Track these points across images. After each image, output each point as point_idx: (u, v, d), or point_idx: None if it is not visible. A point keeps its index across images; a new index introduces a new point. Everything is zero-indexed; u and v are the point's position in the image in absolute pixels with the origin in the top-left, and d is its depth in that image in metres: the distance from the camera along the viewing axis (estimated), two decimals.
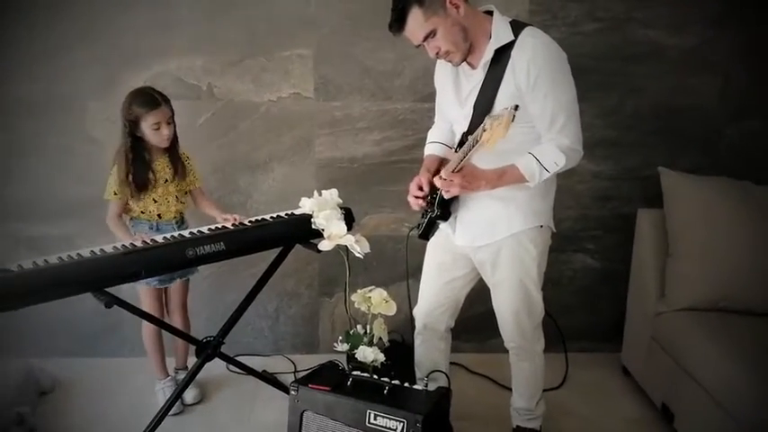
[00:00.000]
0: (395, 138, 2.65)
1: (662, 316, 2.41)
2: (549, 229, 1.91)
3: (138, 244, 1.97)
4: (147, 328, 2.43)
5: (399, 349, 2.49)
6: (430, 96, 2.40)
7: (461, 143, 1.86)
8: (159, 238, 2.06)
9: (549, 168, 1.73)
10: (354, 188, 2.66)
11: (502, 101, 1.74)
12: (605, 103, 2.67)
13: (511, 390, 2.17)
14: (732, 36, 2.62)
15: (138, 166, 2.20)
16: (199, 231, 2.13)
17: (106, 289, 1.81)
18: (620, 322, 2.74)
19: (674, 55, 2.66)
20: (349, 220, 2.24)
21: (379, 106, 2.61)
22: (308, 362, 2.77)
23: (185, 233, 2.11)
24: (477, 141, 1.59)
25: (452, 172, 1.75)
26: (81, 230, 2.65)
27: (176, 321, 2.47)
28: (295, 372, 2.75)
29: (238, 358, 2.51)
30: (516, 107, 1.48)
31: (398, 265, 2.76)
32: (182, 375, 2.50)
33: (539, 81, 1.68)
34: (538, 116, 1.73)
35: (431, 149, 2.09)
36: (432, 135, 2.13)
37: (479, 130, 1.59)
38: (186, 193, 2.37)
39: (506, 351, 2.09)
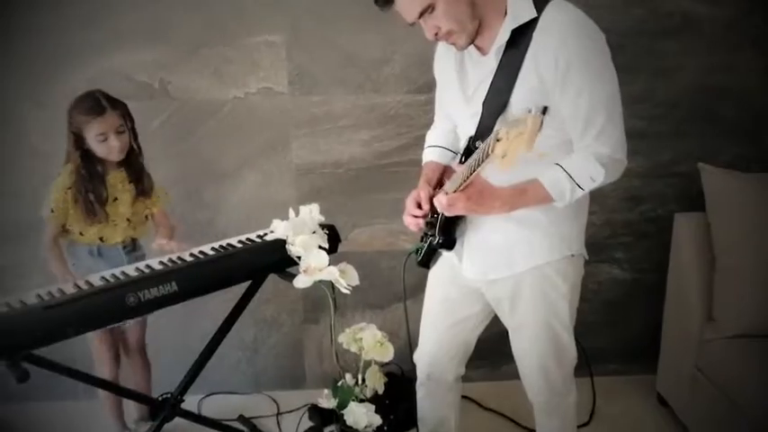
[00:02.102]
0: (386, 137, 2.36)
1: (710, 343, 2.08)
2: (581, 257, 1.53)
3: (69, 289, 1.59)
4: (100, 368, 2.07)
5: (398, 385, 2.14)
6: (426, 86, 2.19)
7: (468, 152, 1.50)
8: (96, 279, 1.68)
9: (583, 186, 1.37)
10: (340, 197, 2.39)
11: (520, 97, 1.39)
12: (631, 88, 2.31)
13: (532, 430, 1.84)
14: None
15: (93, 184, 1.89)
16: (147, 267, 1.75)
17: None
18: (653, 340, 2.42)
19: (709, 28, 2.31)
20: (333, 240, 1.90)
21: (366, 100, 2.32)
22: (294, 400, 2.47)
23: (129, 269, 1.73)
24: (488, 154, 1.20)
25: (457, 190, 1.39)
26: (16, 261, 2.32)
27: (135, 364, 2.16)
28: (278, 414, 2.42)
29: (212, 398, 2.22)
30: (545, 110, 1.09)
31: (394, 285, 2.46)
32: (143, 429, 2.13)
33: (570, 72, 1.32)
34: (569, 117, 1.37)
35: (431, 155, 1.74)
36: (431, 138, 1.78)
37: (490, 139, 1.22)
38: (146, 217, 2.05)
39: None
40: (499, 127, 1.39)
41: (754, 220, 2.03)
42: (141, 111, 2.17)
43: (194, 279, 1.71)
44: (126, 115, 1.91)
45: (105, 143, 1.86)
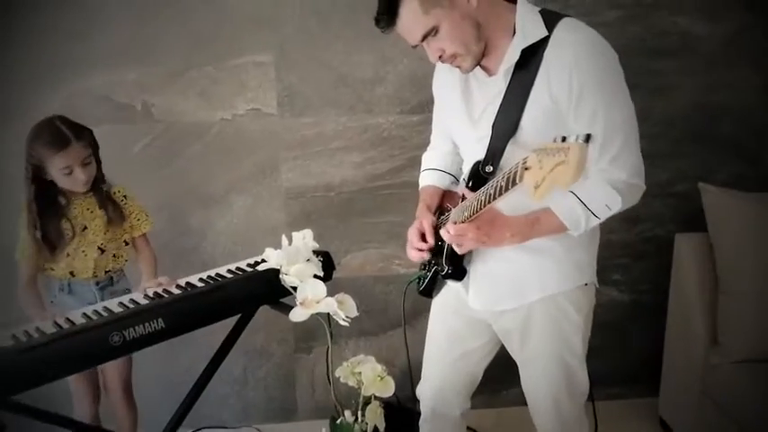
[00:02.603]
0: (379, 159, 2.29)
1: (716, 368, 2.02)
2: (593, 286, 1.47)
3: (48, 328, 1.48)
4: (79, 406, 1.94)
5: (395, 416, 2.03)
6: (420, 107, 2.16)
7: (476, 177, 1.41)
8: (78, 315, 1.57)
9: (598, 214, 1.31)
10: (332, 222, 2.31)
11: (531, 119, 1.33)
12: None
13: None
14: None
15: (47, 218, 1.74)
16: (132, 302, 1.64)
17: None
18: (654, 363, 2.36)
19: (707, 46, 2.28)
20: (327, 267, 1.82)
21: (358, 121, 2.25)
22: None
23: (113, 304, 1.62)
24: (514, 182, 1.14)
25: (466, 221, 1.32)
26: None
27: (117, 405, 2.00)
28: None
29: None
30: (588, 138, 1.02)
31: (390, 311, 2.39)
32: None
33: (584, 94, 1.26)
34: None
35: (429, 179, 1.66)
36: (428, 160, 1.70)
37: (516, 167, 1.14)
38: (126, 243, 1.91)
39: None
40: (515, 150, 1.34)
41: (759, 241, 1.98)
42: (122, 134, 2.15)
43: (183, 314, 1.60)
44: (92, 143, 1.75)
45: (70, 176, 1.70)
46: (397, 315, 2.34)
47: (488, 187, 1.26)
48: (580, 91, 1.26)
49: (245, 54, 2.17)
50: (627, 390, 2.54)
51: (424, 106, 2.17)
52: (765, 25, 2.26)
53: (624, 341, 2.52)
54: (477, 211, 1.30)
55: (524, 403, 1.69)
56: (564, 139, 1.03)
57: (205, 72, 2.17)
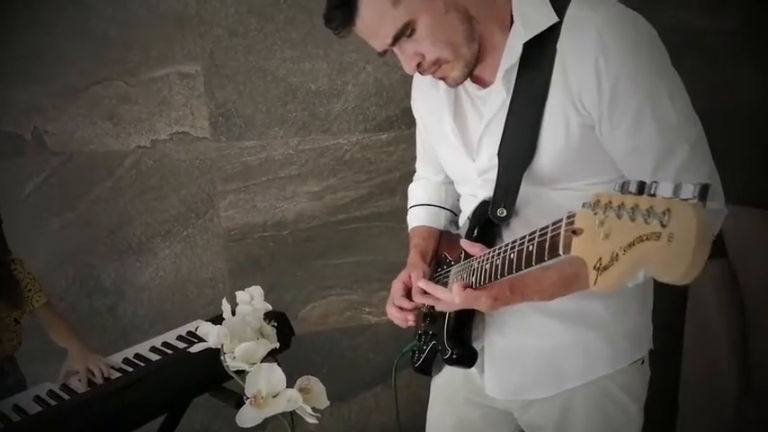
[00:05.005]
0: (341, 187, 2.10)
1: (749, 419, 1.81)
2: (647, 363, 1.19)
3: None
4: None
5: None
6: (388, 122, 2.04)
7: (482, 221, 1.12)
8: None
9: None
10: (286, 266, 2.10)
11: (552, 137, 1.02)
12: None
13: None
14: None
15: None
16: (16, 409, 1.27)
17: None
18: (667, 411, 2.14)
19: (711, 42, 2.11)
20: (284, 333, 1.53)
21: (313, 143, 2.06)
22: None
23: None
24: (553, 252, 0.81)
25: (477, 286, 1.03)
26: None
27: None
28: None
29: None
30: (705, 190, 0.64)
31: (359, 370, 2.18)
32: None
33: (620, 90, 0.96)
34: (626, 155, 1.02)
35: (419, 218, 1.36)
36: (416, 193, 1.40)
37: (557, 226, 0.82)
38: (17, 321, 1.58)
39: None
40: (535, 187, 1.03)
41: None
42: (8, 171, 1.90)
43: (87, 424, 1.24)
44: None
45: None
46: (368, 373, 2.13)
47: (507, 249, 0.92)
48: (614, 86, 0.94)
49: (166, 64, 1.96)
50: None
51: (394, 122, 2.00)
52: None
53: None
54: (489, 280, 0.98)
55: None
56: (642, 187, 0.65)
57: (114, 88, 1.95)
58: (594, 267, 0.68)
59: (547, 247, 0.81)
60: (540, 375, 1.13)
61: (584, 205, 0.70)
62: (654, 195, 0.60)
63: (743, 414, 1.82)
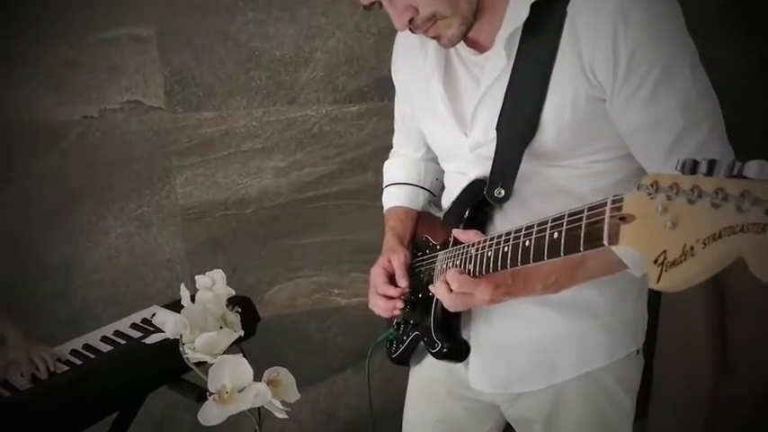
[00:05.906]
0: (309, 162, 2.02)
1: (727, 401, 1.82)
2: (641, 354, 1.15)
3: None
4: None
5: None
6: (359, 93, 1.99)
7: (476, 201, 1.02)
8: None
9: None
10: (249, 247, 2.01)
11: (557, 110, 0.94)
12: None
13: None
14: None
15: None
16: None
17: None
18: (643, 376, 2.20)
19: (702, 15, 2.04)
20: (249, 320, 1.39)
21: (279, 114, 1.97)
22: None
23: None
24: (591, 241, 0.72)
25: (476, 275, 0.94)
26: None
27: None
28: None
29: None
30: None
31: (327, 354, 2.12)
32: None
33: (639, 62, 0.88)
34: (641, 132, 0.94)
35: (396, 198, 1.28)
36: (393, 171, 1.31)
37: (599, 210, 0.72)
38: None
39: None
40: (535, 165, 0.95)
41: None
42: None
43: (30, 425, 1.14)
44: None
45: None
46: (338, 357, 2.07)
47: (520, 236, 0.82)
48: (630, 57, 0.87)
49: (116, 26, 1.83)
50: None
51: (365, 93, 1.92)
52: None
53: None
54: (488, 270, 0.90)
55: None
56: (717, 166, 0.57)
57: (57, 51, 1.80)
58: (656, 262, 0.59)
59: (583, 234, 0.70)
60: (531, 368, 1.07)
61: (639, 188, 0.61)
62: (744, 177, 0.50)
63: (720, 394, 1.82)
